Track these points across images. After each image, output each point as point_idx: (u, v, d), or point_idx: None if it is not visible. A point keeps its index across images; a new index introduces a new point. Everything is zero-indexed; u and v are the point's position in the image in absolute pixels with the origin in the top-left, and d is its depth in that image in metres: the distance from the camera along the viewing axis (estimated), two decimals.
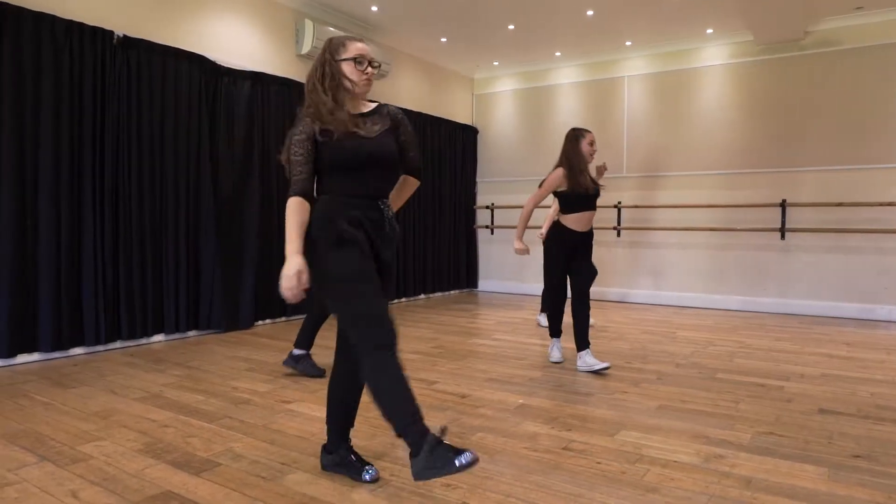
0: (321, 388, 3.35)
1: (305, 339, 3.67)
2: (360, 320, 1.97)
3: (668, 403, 3.08)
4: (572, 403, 3.08)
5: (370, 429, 2.69)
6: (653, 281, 6.99)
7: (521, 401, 3.13)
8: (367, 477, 2.17)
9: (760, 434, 2.62)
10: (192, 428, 2.69)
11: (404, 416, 1.87)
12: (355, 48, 2.16)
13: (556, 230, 3.85)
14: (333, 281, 2.01)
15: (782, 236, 6.23)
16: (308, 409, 2.98)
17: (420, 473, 1.80)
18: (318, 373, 3.60)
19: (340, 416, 2.25)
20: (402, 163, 2.26)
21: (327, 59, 2.13)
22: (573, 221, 3.77)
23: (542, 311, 5.38)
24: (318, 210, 2.09)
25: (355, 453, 2.26)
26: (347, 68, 2.13)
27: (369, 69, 2.16)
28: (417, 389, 3.27)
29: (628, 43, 6.84)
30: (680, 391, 3.30)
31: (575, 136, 3.79)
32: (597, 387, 3.39)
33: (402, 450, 2.43)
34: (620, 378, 3.58)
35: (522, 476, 2.18)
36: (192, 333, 4.88)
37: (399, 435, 1.87)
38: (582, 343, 3.76)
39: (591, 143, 3.80)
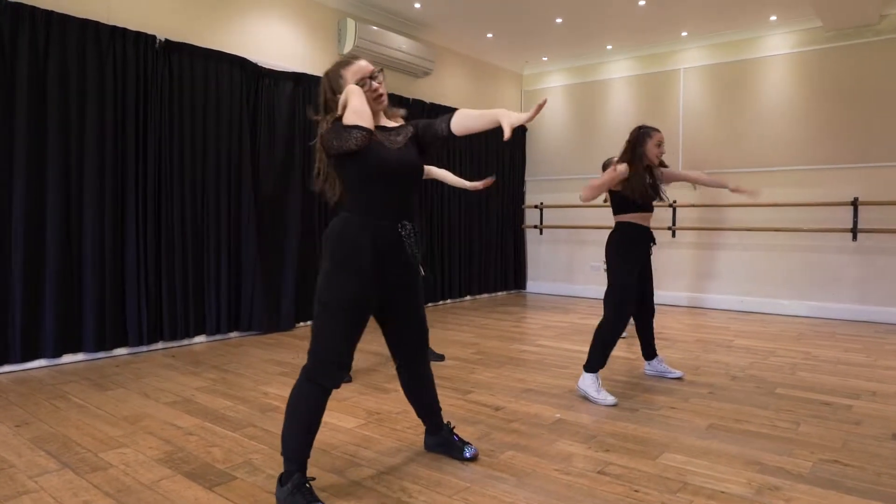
0: (352, 395, 3.26)
1: None
2: (322, 348, 2.01)
3: (719, 423, 2.83)
4: (613, 420, 2.87)
5: (395, 442, 2.57)
6: (711, 284, 6.62)
7: (557, 415, 2.94)
8: (467, 454, 2.35)
9: (823, 462, 2.35)
10: (216, 437, 2.64)
11: (299, 449, 2.00)
12: (352, 72, 2.07)
13: (620, 231, 3.35)
14: (325, 297, 2.01)
15: (854, 237, 5.77)
16: (335, 419, 2.89)
17: (282, 501, 1.97)
18: (437, 357, 4.07)
19: (426, 408, 2.40)
20: (435, 132, 2.14)
21: (329, 97, 2.09)
22: (634, 217, 3.35)
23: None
24: (336, 225, 2.05)
25: (456, 434, 2.44)
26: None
27: (374, 85, 2.08)
28: (451, 400, 3.15)
29: (684, 33, 6.48)
30: (734, 408, 3.04)
31: (640, 136, 3.34)
32: (642, 401, 3.16)
33: (424, 468, 2.30)
34: (669, 391, 3.34)
35: (551, 503, 2.01)
36: (233, 335, 4.90)
37: (282, 454, 2.02)
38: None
39: (660, 144, 3.35)
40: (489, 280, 7.64)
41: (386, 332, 2.28)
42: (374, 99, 2.08)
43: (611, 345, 3.24)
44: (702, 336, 4.98)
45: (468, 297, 7.35)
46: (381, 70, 2.14)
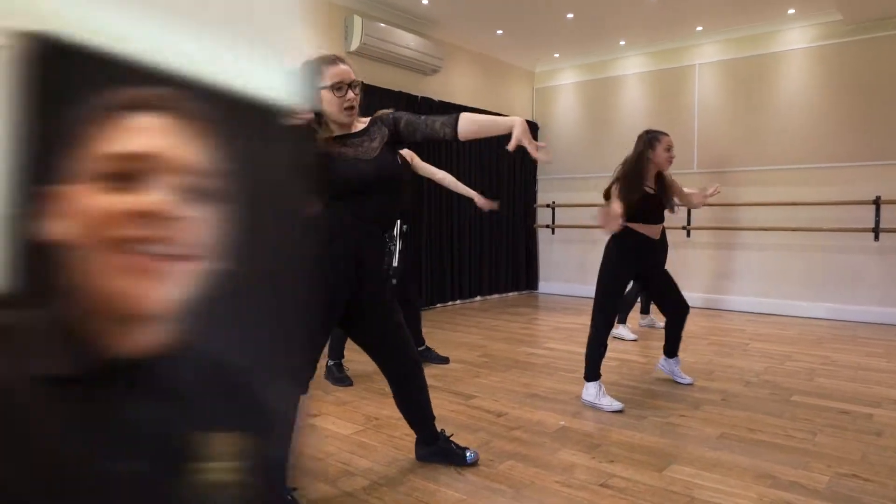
0: (352, 399, 3.19)
1: (415, 336, 3.80)
2: None
3: (731, 432, 2.71)
4: (620, 428, 2.76)
5: (392, 450, 2.49)
6: (727, 285, 6.45)
7: (562, 422, 2.84)
8: (469, 459, 2.30)
9: (841, 476, 2.23)
10: None
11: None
12: (332, 73, 1.93)
13: (619, 235, 3.13)
14: None
15: (876, 237, 5.58)
16: (332, 423, 2.82)
17: None
18: (441, 360, 3.97)
19: (419, 416, 2.31)
20: (433, 133, 1.99)
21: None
22: (636, 226, 3.19)
23: (622, 321, 4.90)
24: (319, 213, 1.96)
25: (453, 442, 2.36)
26: (326, 97, 1.94)
27: (350, 95, 1.94)
28: (452, 405, 3.06)
29: (699, 28, 6.32)
30: (747, 416, 2.91)
31: (648, 141, 3.17)
32: (651, 408, 3.05)
33: (420, 479, 2.21)
34: (679, 398, 3.22)
35: None
36: None
37: None
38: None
39: (669, 149, 3.19)
40: (500, 280, 7.54)
41: (365, 345, 2.19)
42: (344, 108, 1.94)
43: (600, 348, 3.13)
44: (716, 339, 4.84)
45: (478, 298, 7.25)
46: (361, 83, 2.00)
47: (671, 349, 3.54)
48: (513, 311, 6.44)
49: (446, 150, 6.63)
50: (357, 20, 5.45)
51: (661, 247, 3.35)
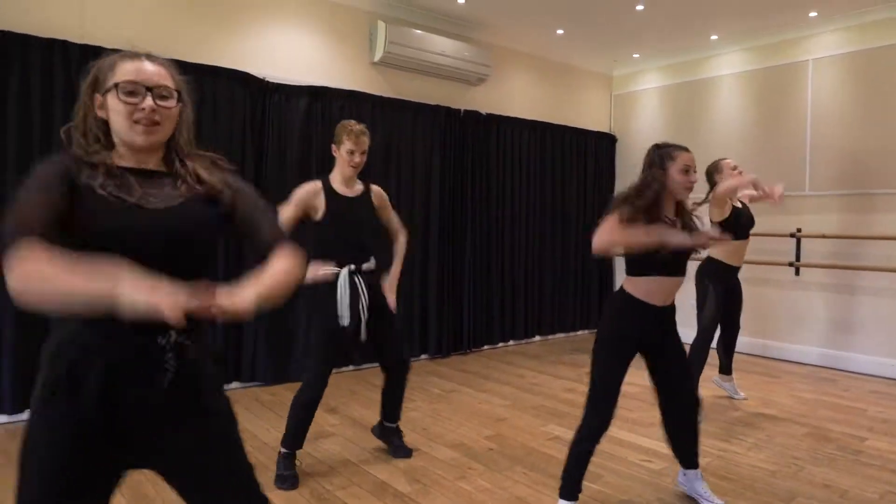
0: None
1: (392, 409, 3.07)
2: None
3: None
4: None
5: None
6: (847, 339, 5.06)
7: None
8: None
9: None
10: None
11: None
12: (127, 71, 1.26)
13: (619, 300, 2.35)
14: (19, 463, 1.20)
15: None
16: None
17: None
18: (404, 452, 3.04)
19: None
20: (255, 237, 1.37)
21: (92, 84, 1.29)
22: (643, 290, 2.30)
23: (722, 370, 4.16)
24: (50, 339, 1.27)
25: None
26: (112, 101, 1.26)
27: (147, 102, 1.25)
28: None
29: (813, 14, 5.02)
30: None
31: (659, 158, 2.32)
32: None
33: None
34: None
35: None
36: (234, 385, 4.33)
37: None
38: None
39: (687, 171, 2.30)
40: (566, 317, 6.54)
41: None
42: (135, 122, 1.27)
43: (582, 460, 2.31)
44: (816, 423, 3.62)
45: (537, 338, 6.30)
46: (178, 93, 1.36)
47: (686, 458, 2.55)
48: (571, 358, 5.45)
49: (500, 162, 5.80)
50: (381, 26, 4.79)
51: (670, 314, 2.40)
